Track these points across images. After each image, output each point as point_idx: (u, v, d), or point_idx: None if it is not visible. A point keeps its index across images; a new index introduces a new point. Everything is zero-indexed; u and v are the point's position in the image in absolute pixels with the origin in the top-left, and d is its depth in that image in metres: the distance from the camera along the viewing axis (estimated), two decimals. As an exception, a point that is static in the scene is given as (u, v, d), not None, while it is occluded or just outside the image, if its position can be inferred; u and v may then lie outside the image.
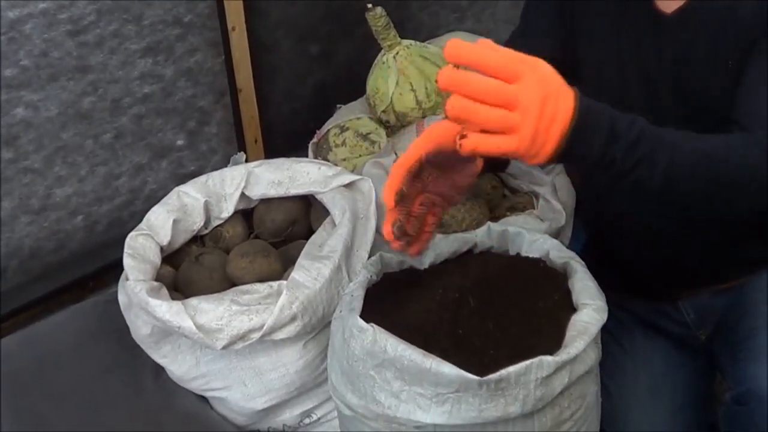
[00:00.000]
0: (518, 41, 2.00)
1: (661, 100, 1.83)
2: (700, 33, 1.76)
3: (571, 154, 1.35)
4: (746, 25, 1.70)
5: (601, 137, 1.37)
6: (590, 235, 2.27)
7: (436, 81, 1.34)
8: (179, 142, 2.67)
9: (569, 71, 1.86)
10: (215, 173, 2.13)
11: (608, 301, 1.70)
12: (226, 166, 2.59)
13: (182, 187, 2.08)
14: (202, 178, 2.10)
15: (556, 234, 2.23)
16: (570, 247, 2.25)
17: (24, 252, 2.45)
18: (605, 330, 1.68)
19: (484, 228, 1.88)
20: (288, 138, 2.91)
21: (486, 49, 1.29)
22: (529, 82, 1.29)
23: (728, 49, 1.73)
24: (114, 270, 2.42)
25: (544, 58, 1.76)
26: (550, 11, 1.97)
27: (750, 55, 1.69)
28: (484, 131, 1.29)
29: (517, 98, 1.27)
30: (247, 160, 2.57)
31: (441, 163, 1.56)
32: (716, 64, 1.75)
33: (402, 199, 1.52)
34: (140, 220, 2.19)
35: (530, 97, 1.28)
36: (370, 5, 2.57)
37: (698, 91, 1.79)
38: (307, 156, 2.63)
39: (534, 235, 1.86)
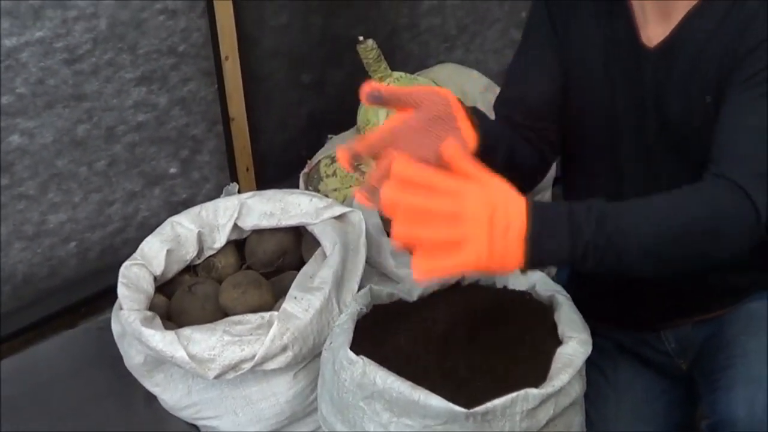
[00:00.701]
0: (518, 71, 2.03)
1: (648, 130, 1.87)
2: (679, 67, 1.80)
3: (541, 255, 1.36)
4: (720, 58, 1.75)
5: (564, 228, 1.38)
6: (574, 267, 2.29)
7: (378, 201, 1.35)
8: (172, 170, 2.70)
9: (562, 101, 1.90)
10: (208, 204, 2.16)
11: (592, 330, 1.74)
12: (218, 194, 2.64)
13: (176, 218, 2.11)
14: (196, 209, 2.13)
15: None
16: (557, 276, 2.29)
17: (17, 278, 2.47)
18: (588, 358, 1.71)
19: None
20: (279, 167, 2.93)
21: (430, 171, 1.32)
22: (473, 194, 1.31)
23: (705, 83, 1.77)
24: (106, 296, 2.44)
25: (542, 90, 1.82)
26: (546, 41, 1.98)
27: (726, 90, 1.73)
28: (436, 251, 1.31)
29: (463, 208, 1.29)
30: (239, 190, 2.60)
31: (422, 123, 1.54)
32: (694, 98, 1.79)
33: (358, 162, 1.52)
34: (133, 247, 2.21)
35: (476, 205, 1.30)
36: (361, 38, 2.61)
37: (680, 123, 1.83)
38: (298, 185, 2.66)
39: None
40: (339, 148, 1.54)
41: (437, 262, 1.30)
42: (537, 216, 1.36)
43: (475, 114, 1.64)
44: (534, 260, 1.36)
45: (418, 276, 1.30)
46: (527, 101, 1.92)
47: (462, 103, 1.62)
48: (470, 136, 1.59)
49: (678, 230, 1.49)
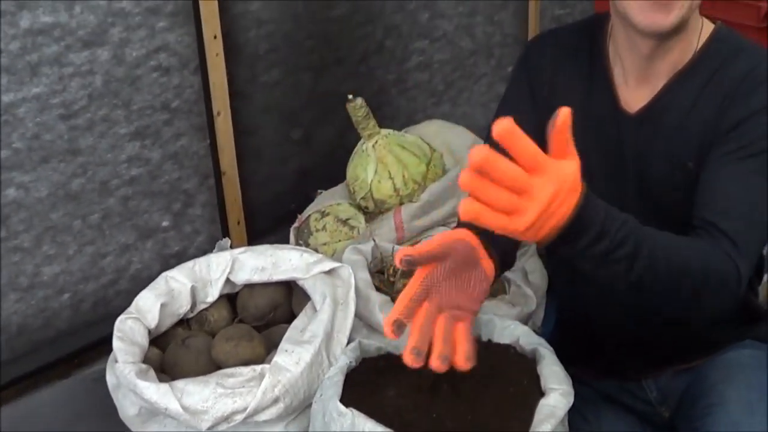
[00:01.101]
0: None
1: (626, 195, 1.91)
2: (660, 133, 1.86)
3: (558, 243, 1.44)
4: (702, 128, 1.81)
5: (589, 237, 1.46)
6: (560, 314, 2.33)
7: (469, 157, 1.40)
8: (164, 224, 2.73)
9: None
10: (201, 259, 2.19)
11: (575, 378, 1.78)
12: (209, 247, 2.67)
13: (170, 272, 2.14)
14: (189, 264, 2.16)
15: (527, 318, 2.30)
16: (544, 323, 2.34)
17: (11, 329, 2.48)
18: (572, 405, 1.75)
19: None
20: (270, 220, 2.97)
21: (526, 140, 1.38)
22: (548, 177, 1.37)
23: (686, 150, 1.83)
24: (100, 347, 2.48)
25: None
26: (525, 99, 2.04)
27: (707, 158, 1.78)
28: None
29: (532, 188, 1.35)
30: (231, 245, 2.64)
31: (450, 272, 1.58)
32: (675, 164, 1.84)
33: (400, 328, 1.51)
34: (125, 299, 2.24)
35: (544, 190, 1.37)
36: (350, 96, 2.66)
37: (660, 189, 1.88)
38: (288, 238, 2.70)
39: (505, 322, 1.93)
40: (384, 322, 1.54)
41: (486, 211, 1.35)
42: (578, 215, 1.43)
43: (488, 242, 1.68)
44: (551, 246, 1.45)
45: (464, 211, 1.35)
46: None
47: (479, 238, 1.66)
48: (490, 267, 1.66)
49: (681, 263, 1.57)
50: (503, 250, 1.76)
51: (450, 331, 1.53)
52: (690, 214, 1.76)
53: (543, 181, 1.37)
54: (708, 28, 1.89)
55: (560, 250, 1.47)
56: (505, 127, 1.33)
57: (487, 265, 1.66)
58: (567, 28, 2.16)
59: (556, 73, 1.99)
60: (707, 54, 1.86)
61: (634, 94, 1.90)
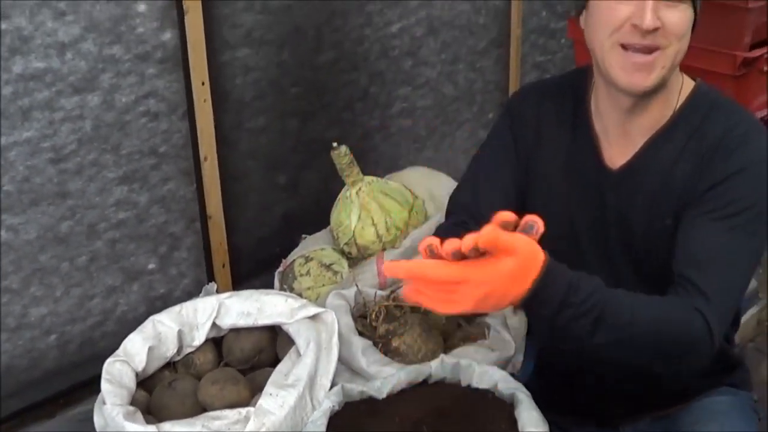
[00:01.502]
0: (474, 180, 2.12)
1: (609, 249, 1.95)
2: (641, 190, 1.89)
3: (537, 297, 1.52)
4: (681, 187, 1.84)
5: (552, 308, 1.55)
6: (539, 360, 2.34)
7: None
8: (151, 266, 2.77)
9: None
10: (188, 303, 2.21)
11: (553, 423, 1.80)
12: (194, 290, 2.70)
13: (157, 316, 2.16)
14: (176, 308, 2.18)
15: (506, 362, 2.33)
16: (523, 368, 2.36)
17: (-1, 369, 2.51)
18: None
19: (437, 360, 1.98)
20: (254, 264, 3.00)
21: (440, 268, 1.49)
22: (477, 281, 1.48)
23: (666, 207, 1.86)
24: (86, 388, 2.51)
25: (494, 204, 1.89)
26: (507, 151, 2.07)
27: (685, 216, 1.82)
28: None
29: (457, 292, 1.48)
30: (217, 288, 2.66)
31: None
32: (655, 220, 1.88)
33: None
34: (111, 340, 2.27)
35: (473, 292, 1.48)
36: (335, 144, 2.70)
37: (641, 244, 1.91)
38: (272, 281, 2.72)
39: (483, 367, 1.96)
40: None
41: (424, 302, 1.51)
42: (547, 272, 1.53)
43: None
44: (527, 301, 1.52)
45: (405, 298, 1.53)
46: (480, 211, 1.99)
47: None
48: None
49: (648, 327, 1.63)
50: None
51: None
52: (669, 266, 1.80)
53: (470, 287, 1.47)
54: (688, 84, 1.93)
55: (526, 313, 1.55)
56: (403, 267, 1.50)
57: None
58: (550, 81, 2.21)
59: (540, 125, 2.02)
60: (686, 112, 1.90)
61: (616, 151, 1.93)
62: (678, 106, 1.90)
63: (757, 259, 1.84)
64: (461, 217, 2.08)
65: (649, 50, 1.77)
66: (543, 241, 1.99)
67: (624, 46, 1.78)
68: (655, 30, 1.74)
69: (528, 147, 2.04)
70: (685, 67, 3.05)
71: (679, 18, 1.77)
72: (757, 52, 3.18)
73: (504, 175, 2.07)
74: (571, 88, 2.03)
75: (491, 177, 2.09)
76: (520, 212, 1.96)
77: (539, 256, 1.54)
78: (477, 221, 1.93)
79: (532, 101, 2.07)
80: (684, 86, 1.93)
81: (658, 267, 1.87)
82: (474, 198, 2.08)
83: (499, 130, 2.11)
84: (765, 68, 3.21)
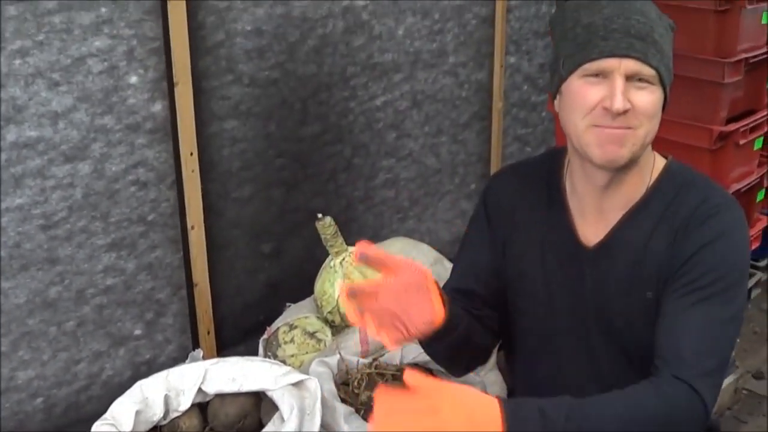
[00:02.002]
0: (459, 264, 2.17)
1: (587, 326, 1.97)
2: (618, 266, 1.92)
3: None
4: (657, 262, 1.88)
5: (537, 423, 1.58)
6: None
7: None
8: (137, 332, 2.79)
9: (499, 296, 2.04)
10: (175, 369, 2.25)
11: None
12: (180, 356, 2.72)
13: (144, 381, 2.20)
14: (163, 373, 2.22)
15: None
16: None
17: (-16, 431, 2.52)
18: None
19: None
20: (239, 331, 3.03)
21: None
22: (449, 397, 1.53)
23: (645, 282, 1.89)
24: (71, 452, 2.52)
25: (476, 285, 2.02)
26: (482, 238, 2.12)
27: (664, 292, 1.86)
28: None
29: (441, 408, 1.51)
30: (203, 356, 2.69)
31: (400, 286, 1.73)
32: (634, 295, 1.91)
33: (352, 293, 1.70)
34: (97, 404, 2.29)
35: (453, 407, 1.51)
36: (320, 215, 2.75)
37: (620, 319, 1.93)
38: (256, 348, 2.76)
39: None
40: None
41: None
42: (512, 414, 1.55)
43: (446, 295, 1.82)
44: None
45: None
46: (466, 292, 2.06)
47: (437, 283, 1.79)
48: (439, 311, 1.77)
49: (637, 427, 1.66)
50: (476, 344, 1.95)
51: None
52: (650, 346, 1.83)
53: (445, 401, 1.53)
54: (660, 162, 1.99)
55: None
56: None
57: (436, 306, 1.77)
58: (525, 163, 2.24)
59: (515, 209, 2.06)
60: (659, 189, 1.94)
61: (591, 228, 1.97)
62: (651, 183, 1.95)
63: (738, 324, 1.88)
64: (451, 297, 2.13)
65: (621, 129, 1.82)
66: (521, 323, 2.04)
67: (596, 125, 1.83)
68: (626, 112, 1.80)
69: (504, 231, 2.08)
70: (663, 141, 3.13)
71: (649, 100, 1.83)
72: (732, 126, 3.25)
73: (481, 260, 2.12)
74: (545, 170, 2.07)
75: (471, 262, 2.15)
76: (501, 293, 2.03)
77: (490, 408, 1.57)
78: (463, 302, 2.03)
79: (506, 186, 2.11)
80: (656, 164, 1.98)
81: (637, 342, 1.91)
82: (458, 283, 2.13)
83: (476, 217, 2.17)
84: (741, 142, 3.28)
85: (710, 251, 1.84)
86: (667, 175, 1.96)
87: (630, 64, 1.81)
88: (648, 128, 1.85)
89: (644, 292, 1.90)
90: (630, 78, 1.81)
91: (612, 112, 1.79)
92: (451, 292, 2.11)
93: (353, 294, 1.70)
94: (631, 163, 1.88)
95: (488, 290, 2.06)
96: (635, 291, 1.91)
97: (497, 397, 1.58)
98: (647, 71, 1.82)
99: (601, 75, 1.82)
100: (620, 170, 1.89)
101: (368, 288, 1.72)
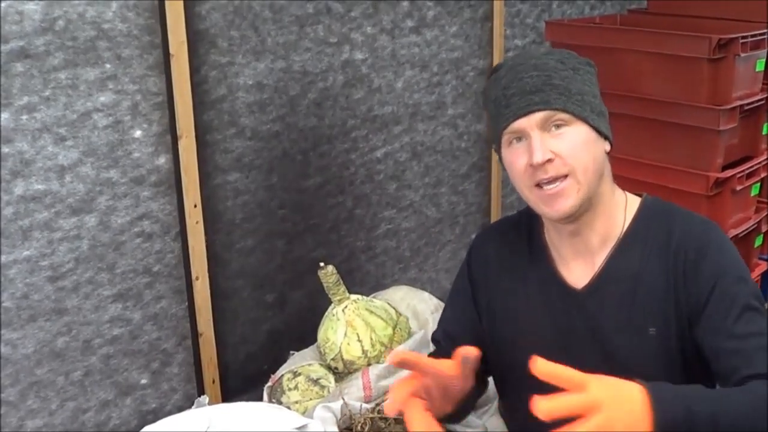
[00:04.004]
0: (445, 318, 2.24)
1: (588, 363, 1.86)
2: (610, 304, 1.93)
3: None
4: (655, 291, 1.88)
5: (680, 406, 1.61)
6: None
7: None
8: (143, 381, 2.81)
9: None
10: (181, 415, 2.28)
11: None
12: (185, 404, 2.74)
13: (151, 427, 2.22)
14: (170, 419, 2.24)
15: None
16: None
17: (-7, 481, 2.54)
18: None
19: None
20: (243, 379, 3.05)
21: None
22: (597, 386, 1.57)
23: (644, 317, 1.89)
24: (76, 500, 2.53)
25: (462, 338, 2.05)
26: (465, 296, 2.16)
27: (698, 331, 1.86)
28: None
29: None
30: (209, 402, 2.71)
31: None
32: (634, 332, 1.90)
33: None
34: (103, 453, 2.30)
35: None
36: (322, 264, 2.78)
37: (623, 354, 1.92)
38: (261, 396, 2.77)
39: None
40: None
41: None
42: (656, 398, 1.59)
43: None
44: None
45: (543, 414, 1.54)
46: (454, 338, 2.11)
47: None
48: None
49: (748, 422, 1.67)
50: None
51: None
52: (660, 377, 1.79)
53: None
54: (634, 201, 2.01)
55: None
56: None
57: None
58: (506, 220, 2.24)
59: (499, 264, 2.09)
60: (639, 224, 1.96)
61: (576, 272, 1.98)
62: (631, 220, 1.97)
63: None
64: (440, 345, 2.22)
65: (558, 180, 1.85)
66: (513, 373, 2.05)
67: (537, 185, 1.87)
68: (551, 161, 1.84)
69: (487, 288, 2.11)
70: (659, 187, 3.18)
71: (570, 140, 1.86)
72: (729, 173, 3.28)
73: (465, 317, 2.17)
74: (524, 224, 2.10)
75: (457, 314, 2.20)
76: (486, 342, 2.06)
77: (634, 395, 1.62)
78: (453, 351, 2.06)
79: (488, 244, 2.15)
80: (629, 203, 2.00)
81: (645, 375, 1.81)
82: (446, 328, 2.21)
83: (461, 275, 2.20)
84: (738, 188, 3.31)
85: (724, 282, 1.84)
86: (643, 212, 1.99)
87: (537, 117, 1.84)
88: (585, 165, 1.86)
89: (645, 328, 1.90)
90: (546, 128, 1.85)
91: (536, 166, 1.83)
92: (441, 335, 2.21)
93: (402, 363, 1.79)
94: (589, 206, 1.91)
95: (474, 339, 2.08)
96: (634, 328, 1.91)
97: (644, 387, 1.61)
98: (558, 115, 1.85)
99: (521, 137, 1.87)
100: (582, 216, 1.92)
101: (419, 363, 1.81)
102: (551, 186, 1.86)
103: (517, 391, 2.10)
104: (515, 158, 1.88)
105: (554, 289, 2.00)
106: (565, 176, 1.85)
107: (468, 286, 2.15)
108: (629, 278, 1.92)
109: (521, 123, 1.85)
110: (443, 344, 2.20)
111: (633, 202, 2.01)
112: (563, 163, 1.84)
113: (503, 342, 2.09)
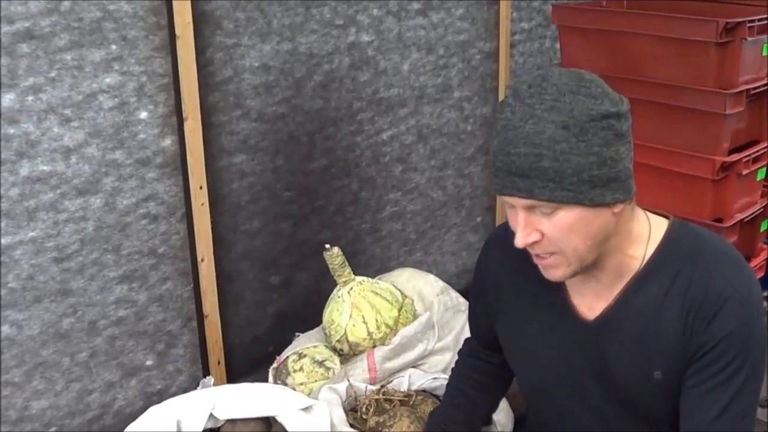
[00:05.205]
0: (473, 315, 2.23)
1: (590, 390, 1.92)
2: (622, 341, 1.84)
3: None
4: (670, 342, 1.78)
5: None
6: None
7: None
8: (148, 363, 2.82)
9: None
10: (187, 395, 2.28)
11: None
12: (190, 386, 2.75)
13: (157, 407, 2.22)
14: (176, 399, 2.25)
15: (492, 456, 2.39)
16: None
17: (-1, 461, 2.55)
18: None
19: None
20: (249, 361, 3.07)
21: None
22: None
23: (651, 361, 1.81)
24: (82, 480, 2.54)
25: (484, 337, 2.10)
26: (480, 298, 2.14)
27: (684, 381, 1.79)
28: None
29: None
30: (214, 383, 2.72)
31: None
32: (639, 373, 1.83)
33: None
34: (108, 434, 2.31)
35: None
36: (327, 246, 2.78)
37: (627, 392, 1.86)
38: (266, 378, 2.78)
39: None
40: None
41: None
42: None
43: None
44: None
45: None
46: (484, 342, 2.18)
47: None
48: None
49: None
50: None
51: None
52: (662, 414, 1.83)
53: None
54: (659, 227, 1.86)
55: None
56: None
57: None
58: None
59: (508, 279, 2.00)
60: (661, 259, 1.82)
61: (590, 303, 1.89)
62: (650, 255, 1.83)
63: (758, 395, 1.80)
64: (475, 345, 2.26)
65: (546, 254, 1.77)
66: (523, 382, 2.10)
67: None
68: (536, 242, 1.73)
69: (497, 299, 2.06)
70: (666, 171, 3.16)
71: (556, 226, 1.71)
72: (735, 157, 3.27)
73: (482, 321, 2.17)
74: None
75: (476, 319, 2.21)
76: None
77: None
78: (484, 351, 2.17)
79: (498, 256, 2.04)
80: (654, 231, 1.86)
81: (647, 413, 1.86)
82: (475, 333, 2.26)
83: (474, 280, 2.16)
84: (744, 172, 3.30)
85: (729, 342, 1.73)
86: (669, 244, 1.84)
87: (521, 201, 1.71)
88: (573, 246, 1.74)
89: (651, 371, 1.82)
90: (533, 209, 1.72)
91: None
92: (474, 340, 2.26)
93: None
94: (592, 264, 1.80)
95: (490, 342, 2.13)
96: (640, 369, 1.83)
97: None
98: (543, 204, 1.69)
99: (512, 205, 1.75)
100: (587, 269, 1.81)
101: None
102: (540, 258, 1.79)
103: (528, 398, 2.14)
104: (511, 220, 1.78)
105: (565, 318, 1.92)
106: (552, 254, 1.76)
107: (481, 293, 2.12)
108: (642, 316, 1.82)
109: (507, 199, 1.73)
110: (475, 339, 2.28)
111: (658, 231, 1.86)
112: (550, 243, 1.73)
113: (512, 357, 2.09)
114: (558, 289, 1.91)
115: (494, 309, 2.07)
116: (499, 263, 2.03)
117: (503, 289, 2.03)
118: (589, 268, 1.80)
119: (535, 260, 1.80)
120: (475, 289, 2.15)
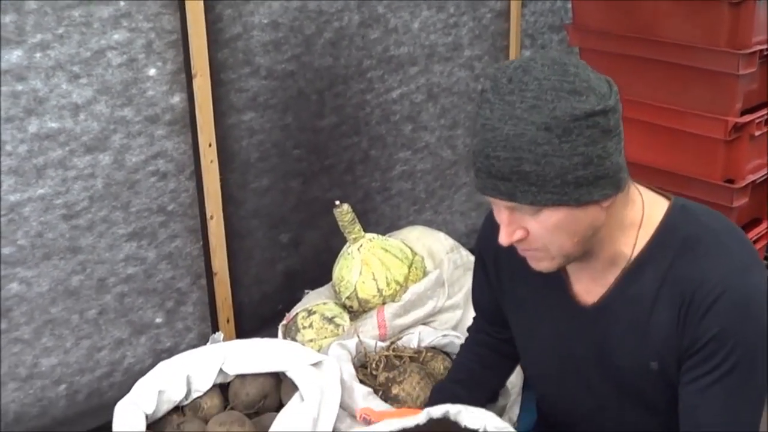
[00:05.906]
0: (476, 292, 2.22)
1: (589, 380, 1.90)
2: (619, 325, 1.81)
3: None
4: (664, 332, 1.74)
5: None
6: (539, 412, 2.28)
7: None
8: (158, 320, 2.83)
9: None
10: (197, 350, 2.28)
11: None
12: (200, 343, 2.76)
13: (167, 362, 2.23)
14: (185, 354, 2.26)
15: (501, 411, 2.39)
16: (523, 419, 2.41)
17: (9, 416, 2.56)
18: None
19: (423, 414, 1.96)
20: (257, 318, 3.07)
21: None
22: None
23: (648, 351, 1.78)
24: (93, 436, 2.56)
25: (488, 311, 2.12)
26: (481, 273, 2.12)
27: (680, 375, 1.75)
28: None
29: None
30: (223, 339, 2.73)
31: None
32: (637, 361, 1.80)
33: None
34: (118, 391, 2.31)
35: None
36: (337, 202, 2.78)
37: (624, 377, 1.84)
38: (275, 335, 2.79)
39: (472, 411, 1.96)
40: None
41: None
42: None
43: None
44: None
45: None
46: (489, 318, 2.18)
47: None
48: None
49: None
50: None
51: None
52: (661, 400, 1.80)
53: None
54: (659, 210, 1.80)
55: None
56: None
57: None
58: None
59: (506, 256, 1.93)
60: (656, 248, 1.77)
61: (587, 287, 1.86)
62: (647, 240, 1.78)
63: (763, 398, 1.76)
64: (480, 322, 2.27)
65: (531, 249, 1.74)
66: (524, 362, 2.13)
67: None
68: (520, 240, 1.70)
69: (498, 275, 2.04)
70: (678, 132, 3.15)
71: (541, 225, 1.67)
72: (747, 118, 3.25)
73: (485, 297, 2.17)
74: None
75: (479, 295, 2.21)
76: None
77: None
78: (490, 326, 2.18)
79: (494, 232, 1.87)
80: (650, 217, 1.79)
81: (646, 396, 1.84)
82: (479, 309, 2.25)
83: (476, 257, 2.15)
84: (756, 133, 3.29)
85: (725, 337, 1.67)
86: (665, 231, 1.78)
87: (503, 202, 1.66)
88: (559, 244, 1.70)
89: (647, 361, 1.78)
90: (516, 209, 1.67)
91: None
92: (478, 317, 2.26)
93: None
94: (581, 254, 1.75)
95: (494, 315, 2.12)
96: (637, 357, 1.80)
97: None
98: (526, 207, 1.64)
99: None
100: (576, 259, 1.78)
101: None
102: (525, 250, 1.76)
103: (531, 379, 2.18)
104: (496, 215, 1.73)
105: (563, 301, 1.89)
106: (536, 250, 1.73)
107: (481, 268, 2.11)
108: (637, 305, 1.78)
109: (489, 199, 1.69)
110: (479, 316, 2.28)
111: (654, 215, 1.80)
112: (534, 240, 1.70)
113: (515, 335, 2.09)
114: (557, 274, 1.86)
115: (497, 285, 2.06)
116: (497, 241, 1.93)
117: (503, 267, 2.01)
118: (581, 257, 1.77)
119: (521, 252, 1.77)
120: (477, 264, 2.14)
